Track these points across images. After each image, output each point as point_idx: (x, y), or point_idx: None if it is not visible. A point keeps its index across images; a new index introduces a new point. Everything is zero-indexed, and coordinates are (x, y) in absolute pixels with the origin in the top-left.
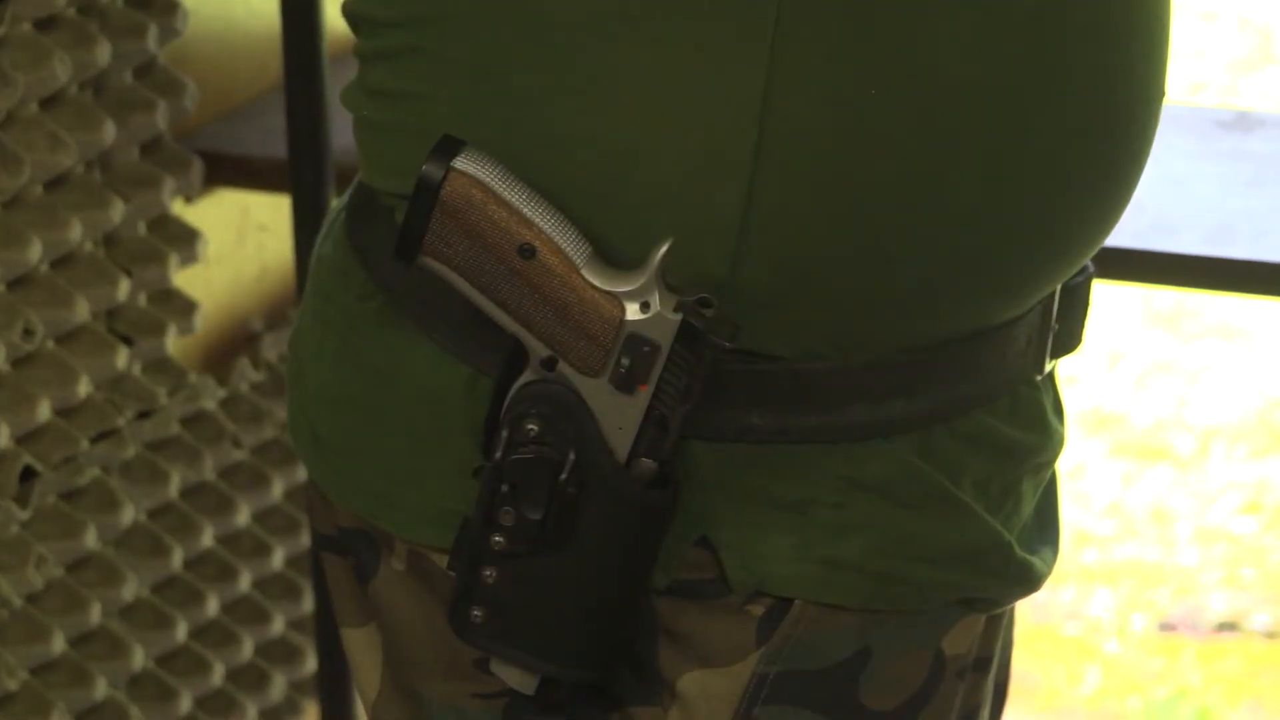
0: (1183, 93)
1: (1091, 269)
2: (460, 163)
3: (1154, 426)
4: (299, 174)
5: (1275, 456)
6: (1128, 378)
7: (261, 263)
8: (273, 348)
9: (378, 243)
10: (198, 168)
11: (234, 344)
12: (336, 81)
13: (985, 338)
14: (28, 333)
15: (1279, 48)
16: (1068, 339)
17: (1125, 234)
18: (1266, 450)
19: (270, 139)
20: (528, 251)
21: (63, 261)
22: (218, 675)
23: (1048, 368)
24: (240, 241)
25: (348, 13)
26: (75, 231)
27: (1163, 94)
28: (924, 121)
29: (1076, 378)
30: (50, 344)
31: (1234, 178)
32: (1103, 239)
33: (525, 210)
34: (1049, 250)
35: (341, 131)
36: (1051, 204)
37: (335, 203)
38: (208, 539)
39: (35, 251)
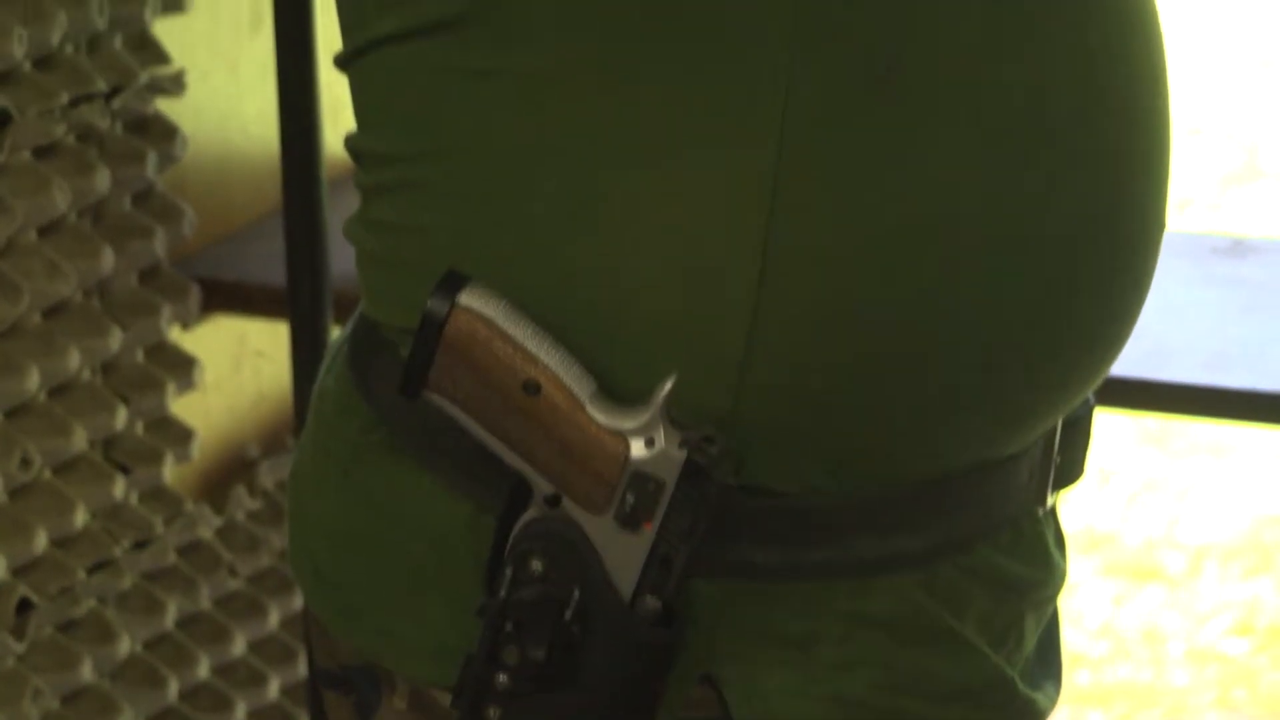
0: (1171, 208)
1: (1093, 400)
2: (465, 298)
3: (1145, 546)
4: (297, 300)
5: (1266, 576)
6: (1118, 496)
7: (258, 389)
8: (269, 475)
9: (380, 377)
10: (195, 295)
11: (230, 471)
12: (335, 206)
13: (988, 472)
14: (25, 463)
15: (1265, 162)
16: (1069, 471)
17: (1123, 362)
18: (1257, 570)
19: (269, 264)
20: (532, 388)
21: (61, 390)
22: None
23: (1050, 501)
24: (237, 368)
25: (351, 147)
26: (73, 360)
27: (1163, 225)
28: (926, 259)
29: (1066, 496)
30: (48, 474)
31: (1230, 304)
32: (1105, 372)
33: (530, 346)
34: (1052, 385)
35: (340, 257)
36: (1055, 339)
37: (337, 334)
38: (204, 670)
39: (33, 380)
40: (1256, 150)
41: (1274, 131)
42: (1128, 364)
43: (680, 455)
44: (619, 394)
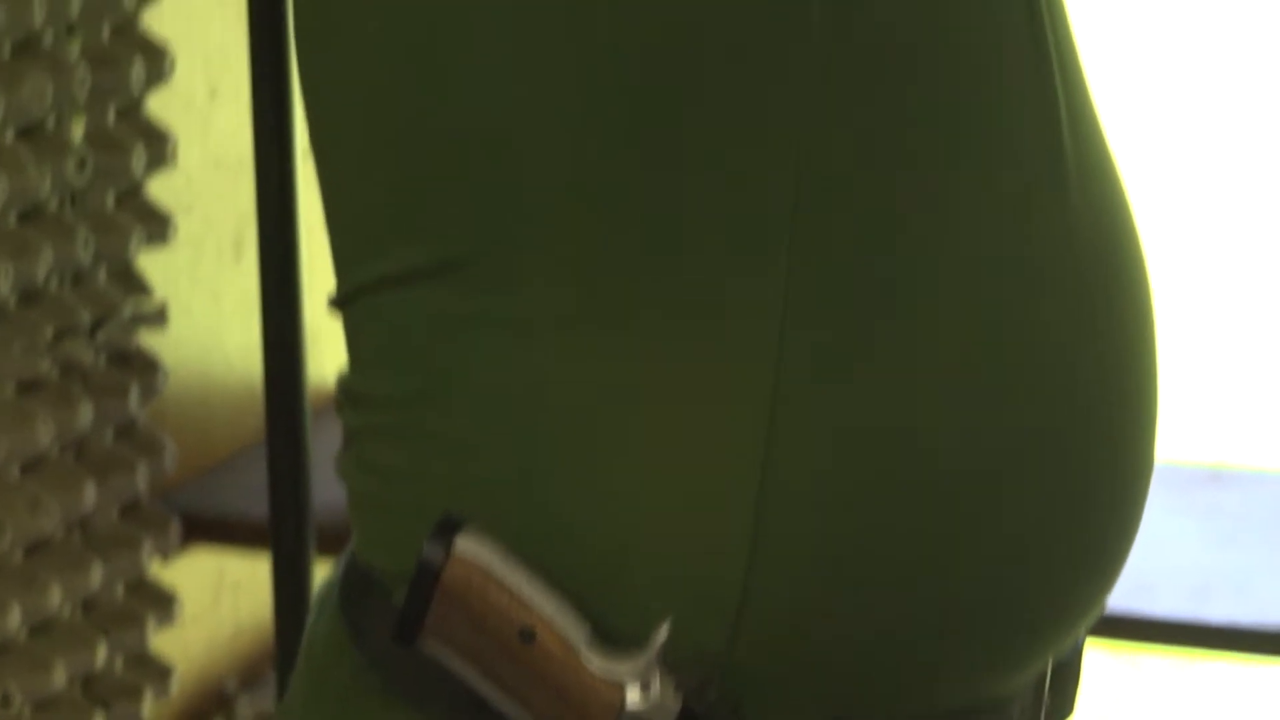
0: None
1: (1082, 640)
2: (460, 546)
3: None
4: (280, 533)
5: None
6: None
7: (236, 622)
8: (248, 708)
9: (373, 622)
10: (175, 529)
11: (208, 704)
12: (318, 435)
13: (981, 713)
14: (5, 701)
15: (1235, 387)
16: (1060, 709)
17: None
18: None
19: (250, 496)
20: (528, 635)
21: (41, 628)
22: None
23: None
24: (216, 601)
25: (343, 387)
26: (54, 597)
27: (1152, 465)
28: (921, 509)
29: None
30: (27, 712)
31: (1210, 535)
32: (1096, 615)
33: (525, 593)
34: (1046, 628)
35: (323, 487)
36: (1049, 586)
37: (326, 578)
38: None
39: (14, 619)
40: (1224, 374)
41: (1238, 356)
42: (1111, 597)
43: (676, 702)
44: (614, 638)
